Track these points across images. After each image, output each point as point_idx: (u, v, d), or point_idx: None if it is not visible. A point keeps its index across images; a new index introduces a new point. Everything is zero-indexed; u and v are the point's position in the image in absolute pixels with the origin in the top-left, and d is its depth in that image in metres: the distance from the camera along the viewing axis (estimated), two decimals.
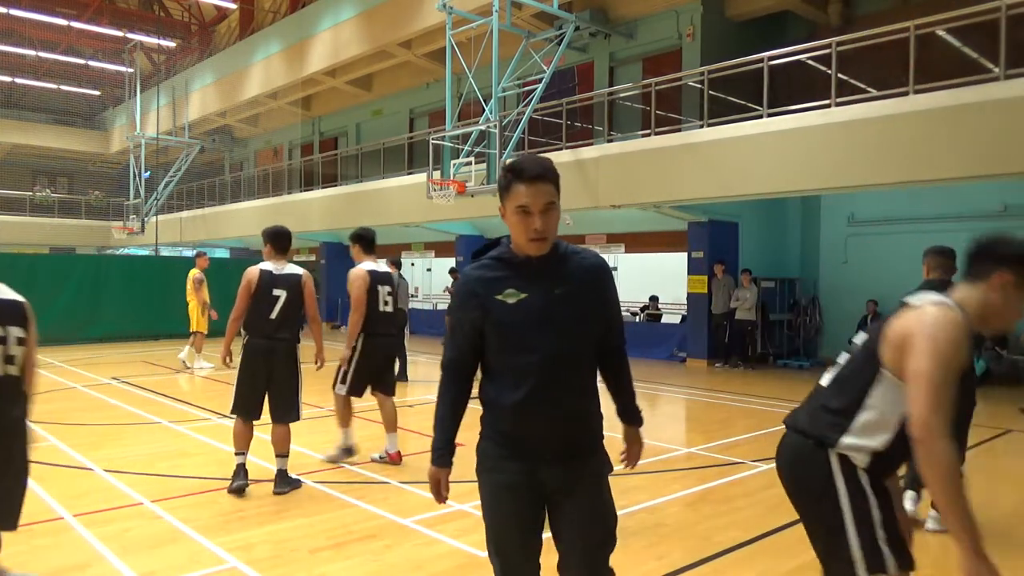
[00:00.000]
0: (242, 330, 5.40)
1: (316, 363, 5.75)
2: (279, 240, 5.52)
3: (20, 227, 29.23)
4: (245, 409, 5.32)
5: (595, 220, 15.43)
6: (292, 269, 5.49)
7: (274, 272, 5.39)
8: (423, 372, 13.05)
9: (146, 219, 24.95)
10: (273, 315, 5.30)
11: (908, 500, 4.64)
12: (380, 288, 6.07)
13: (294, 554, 4.17)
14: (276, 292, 5.33)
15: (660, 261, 16.45)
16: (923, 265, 4.73)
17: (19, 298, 3.34)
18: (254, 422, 5.41)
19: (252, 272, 5.37)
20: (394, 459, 6.13)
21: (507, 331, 2.32)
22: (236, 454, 5.34)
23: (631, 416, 2.67)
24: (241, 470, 5.30)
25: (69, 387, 10.38)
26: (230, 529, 4.56)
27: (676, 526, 4.72)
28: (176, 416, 8.29)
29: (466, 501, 5.07)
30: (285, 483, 5.33)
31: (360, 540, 4.39)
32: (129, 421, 8.14)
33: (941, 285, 4.39)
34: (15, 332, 3.22)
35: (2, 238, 27.40)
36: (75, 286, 16.43)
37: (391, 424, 6.16)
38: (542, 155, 2.39)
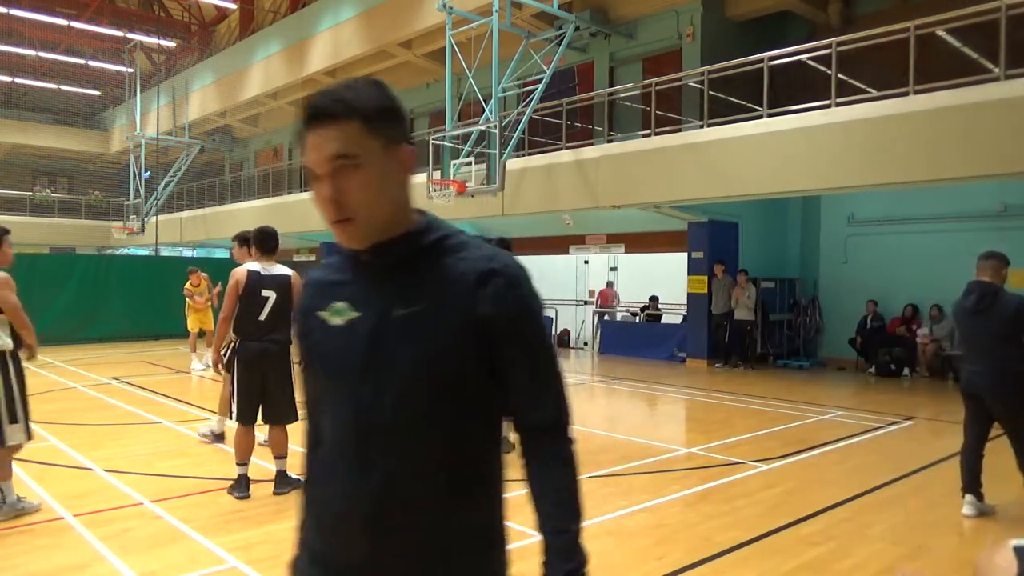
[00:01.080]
0: (232, 333, 5.34)
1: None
2: (266, 241, 5.40)
3: (20, 227, 28.89)
4: (248, 415, 5.25)
5: (595, 220, 15.42)
6: (280, 270, 5.39)
7: (262, 273, 5.29)
8: None
9: (146, 219, 24.95)
10: (263, 317, 5.23)
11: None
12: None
13: None
14: (265, 293, 5.25)
15: (660, 261, 16.44)
16: (977, 269, 5.08)
17: None
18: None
19: (240, 273, 5.27)
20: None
21: (316, 371, 1.42)
22: (239, 464, 5.27)
23: (548, 566, 1.33)
24: (244, 480, 5.24)
25: (69, 387, 10.38)
26: (230, 529, 4.56)
27: (676, 526, 4.72)
28: (176, 416, 8.29)
29: None
30: (285, 483, 5.32)
31: None
32: (129, 421, 8.13)
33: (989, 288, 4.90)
34: None
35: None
36: (75, 286, 16.44)
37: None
38: (368, 77, 1.40)
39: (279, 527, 4.60)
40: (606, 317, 16.63)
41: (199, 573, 3.88)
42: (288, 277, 5.39)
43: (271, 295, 5.25)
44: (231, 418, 5.30)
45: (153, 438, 7.29)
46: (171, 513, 4.83)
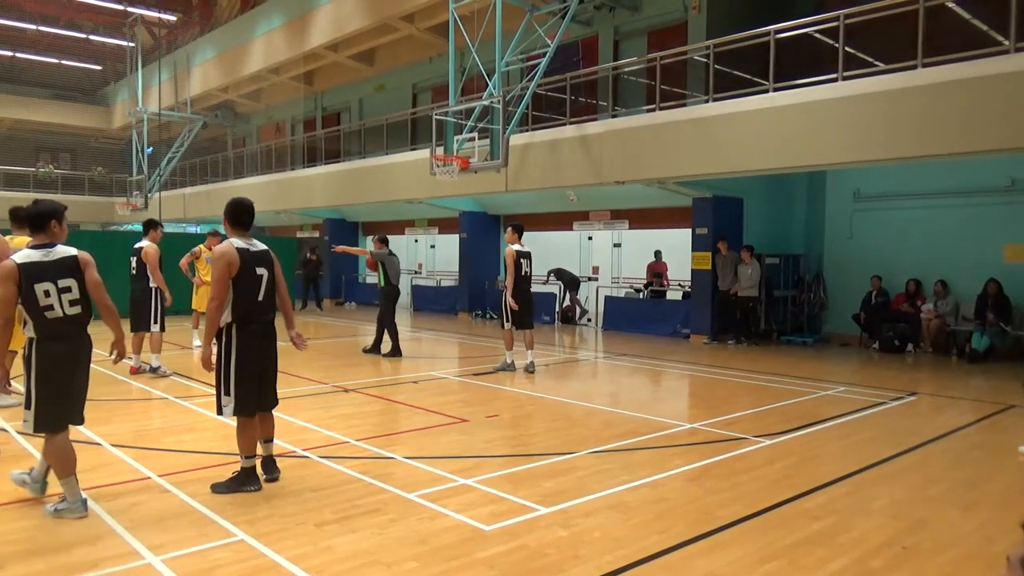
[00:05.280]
0: (231, 317, 4.81)
1: (299, 345, 5.31)
2: (246, 215, 4.96)
3: (23, 203, 29.08)
4: (252, 405, 4.88)
5: (599, 196, 15.36)
6: (260, 244, 4.99)
7: (251, 249, 4.86)
8: (427, 348, 13.11)
9: (149, 195, 24.95)
10: (261, 297, 4.86)
11: None
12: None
13: (300, 528, 4.21)
14: (259, 271, 4.86)
15: (664, 237, 16.40)
16: None
17: None
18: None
19: (230, 252, 4.74)
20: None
21: None
22: (248, 457, 4.89)
23: None
24: (254, 473, 4.91)
25: None
26: (237, 503, 4.60)
27: (678, 501, 4.75)
28: (183, 391, 8.35)
29: (470, 476, 5.12)
30: (275, 468, 5.14)
31: (365, 514, 4.44)
32: (136, 396, 8.20)
33: None
34: None
35: (5, 214, 27.40)
36: None
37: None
38: None
39: (285, 501, 4.65)
40: (641, 294, 16.63)
41: (207, 547, 3.93)
42: (270, 251, 5.06)
43: (264, 272, 4.88)
44: (227, 415, 4.84)
45: (160, 413, 7.35)
46: (179, 488, 4.88)
